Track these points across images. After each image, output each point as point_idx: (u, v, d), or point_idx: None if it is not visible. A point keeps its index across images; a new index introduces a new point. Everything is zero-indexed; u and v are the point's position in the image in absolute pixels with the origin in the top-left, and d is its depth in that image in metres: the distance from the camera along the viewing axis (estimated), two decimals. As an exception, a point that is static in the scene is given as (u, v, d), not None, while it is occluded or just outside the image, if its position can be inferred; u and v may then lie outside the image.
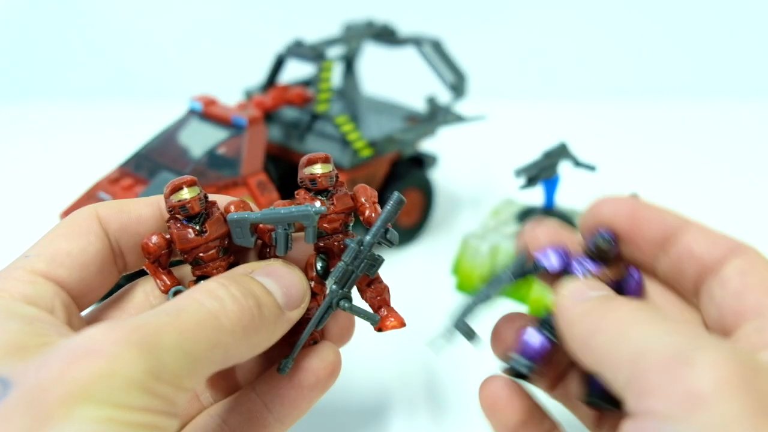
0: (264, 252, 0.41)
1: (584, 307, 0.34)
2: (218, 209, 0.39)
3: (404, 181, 0.83)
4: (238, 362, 0.35)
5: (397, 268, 0.78)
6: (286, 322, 0.37)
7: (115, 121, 1.24)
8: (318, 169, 0.40)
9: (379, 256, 0.40)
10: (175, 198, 0.37)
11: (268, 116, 0.82)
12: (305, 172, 0.40)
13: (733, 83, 1.36)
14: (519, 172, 0.72)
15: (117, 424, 0.26)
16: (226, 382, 0.44)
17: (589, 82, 1.38)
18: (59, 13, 1.36)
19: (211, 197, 0.40)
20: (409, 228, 0.86)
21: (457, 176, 1.02)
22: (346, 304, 0.39)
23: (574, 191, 0.83)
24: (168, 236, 0.38)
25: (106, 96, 1.36)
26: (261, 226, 0.39)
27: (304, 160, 0.40)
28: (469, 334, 0.39)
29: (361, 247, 0.39)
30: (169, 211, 0.38)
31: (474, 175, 1.03)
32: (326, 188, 0.40)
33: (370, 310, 0.41)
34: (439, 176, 0.96)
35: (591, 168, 0.74)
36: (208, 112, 0.75)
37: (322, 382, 0.40)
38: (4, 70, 1.40)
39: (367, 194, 0.41)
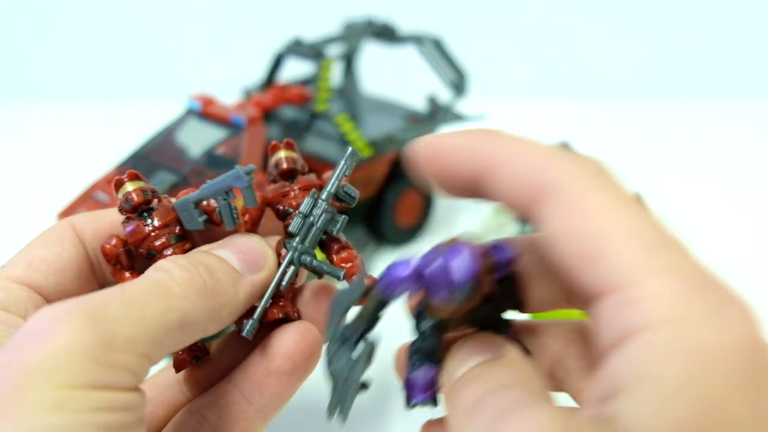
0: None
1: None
2: (169, 202, 0.40)
3: (404, 180, 0.83)
4: (206, 334, 0.34)
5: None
6: (249, 284, 0.36)
7: (112, 120, 1.24)
8: (281, 153, 0.40)
9: (340, 214, 0.39)
10: (119, 194, 0.38)
11: (267, 115, 0.82)
12: (272, 159, 0.41)
13: (741, 81, 1.36)
14: (520, 172, 0.72)
15: (70, 411, 0.25)
16: (205, 375, 0.43)
17: (593, 81, 1.38)
18: (55, 11, 1.37)
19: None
20: (409, 228, 0.86)
21: (458, 176, 1.01)
22: (308, 259, 0.38)
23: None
24: (124, 237, 0.39)
25: (104, 95, 1.36)
26: (208, 207, 0.39)
27: (269, 148, 0.41)
28: (362, 386, 0.35)
29: (318, 200, 0.38)
30: (120, 210, 0.39)
31: (475, 174, 1.03)
32: (291, 170, 0.40)
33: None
34: (439, 176, 0.96)
35: (593, 168, 0.74)
36: (206, 112, 0.75)
37: (300, 367, 0.39)
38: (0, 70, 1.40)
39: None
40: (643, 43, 1.37)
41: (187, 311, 0.32)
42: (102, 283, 0.40)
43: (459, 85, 0.86)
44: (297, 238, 0.38)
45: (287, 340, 0.39)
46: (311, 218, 0.38)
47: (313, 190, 0.39)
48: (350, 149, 0.39)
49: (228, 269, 0.36)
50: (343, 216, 0.39)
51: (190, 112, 0.77)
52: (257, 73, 0.95)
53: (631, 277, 0.24)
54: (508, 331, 0.35)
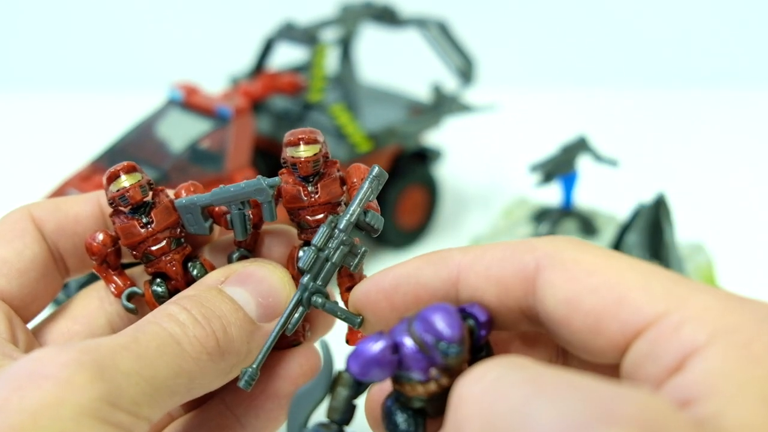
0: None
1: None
2: (167, 196, 0.39)
3: (407, 177, 0.83)
4: (208, 391, 0.34)
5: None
6: (262, 337, 0.36)
7: (86, 111, 1.24)
8: (301, 152, 0.38)
9: (360, 245, 0.37)
10: (113, 188, 0.37)
11: (256, 106, 0.82)
12: (288, 153, 0.38)
13: (761, 70, 1.36)
14: (534, 168, 0.72)
15: None
16: None
17: (611, 69, 1.38)
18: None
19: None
20: (412, 229, 0.85)
21: (464, 172, 1.01)
22: (319, 300, 0.36)
23: (594, 189, 0.83)
24: (113, 233, 0.38)
25: (77, 84, 1.35)
26: (216, 210, 0.38)
27: (287, 136, 0.38)
28: None
29: (335, 230, 0.36)
30: (111, 204, 0.37)
31: (483, 170, 1.03)
32: (311, 174, 0.38)
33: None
34: (444, 172, 0.96)
35: (613, 163, 0.74)
36: (189, 102, 0.75)
37: None
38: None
39: (360, 174, 0.39)
40: (666, 27, 1.37)
41: (196, 375, 0.32)
42: (64, 276, 0.40)
43: (466, 72, 0.85)
44: (308, 275, 0.36)
45: (292, 362, 0.39)
46: (326, 252, 0.36)
47: (330, 217, 0.36)
48: (376, 168, 0.36)
49: (243, 323, 0.35)
50: (364, 249, 0.37)
51: (172, 102, 0.76)
52: (245, 60, 0.94)
53: (670, 304, 0.26)
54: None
